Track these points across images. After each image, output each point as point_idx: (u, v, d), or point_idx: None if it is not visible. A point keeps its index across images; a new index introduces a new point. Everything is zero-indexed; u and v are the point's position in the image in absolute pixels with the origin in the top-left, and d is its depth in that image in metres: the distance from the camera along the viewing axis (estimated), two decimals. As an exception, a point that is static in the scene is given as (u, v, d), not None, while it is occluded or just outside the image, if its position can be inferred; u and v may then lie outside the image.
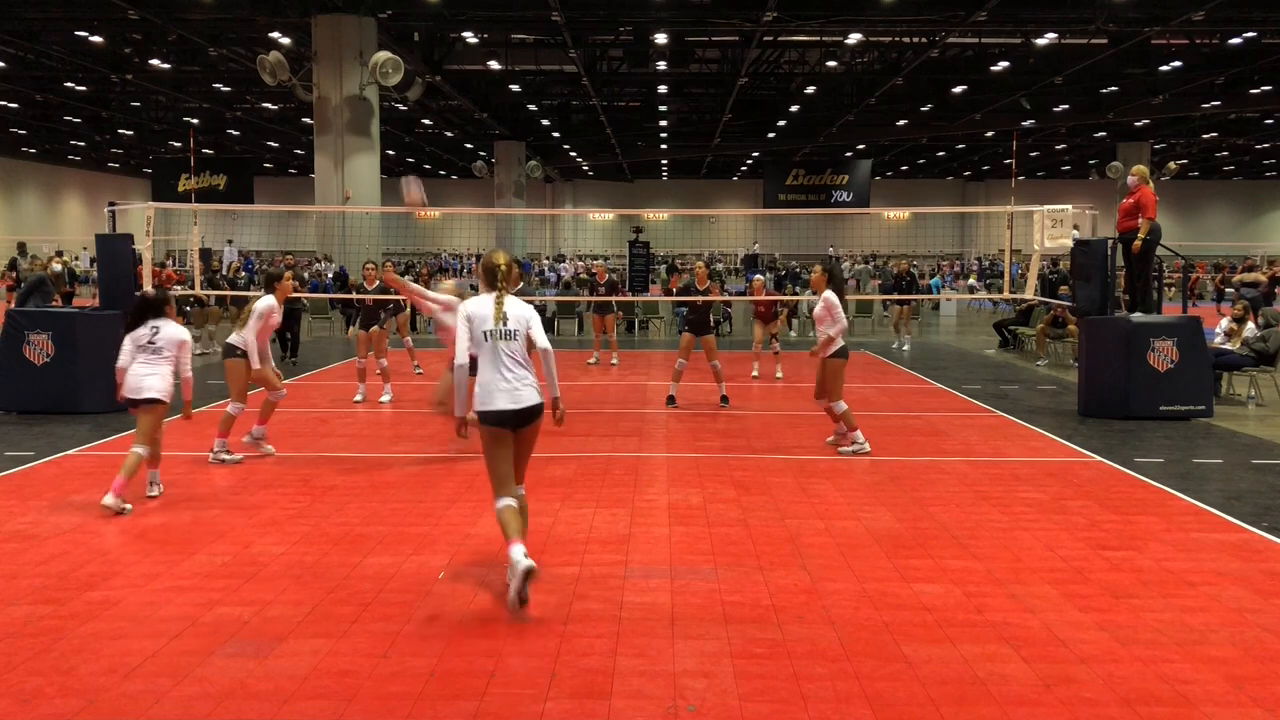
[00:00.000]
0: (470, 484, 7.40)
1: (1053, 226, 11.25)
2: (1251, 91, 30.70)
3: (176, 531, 6.20)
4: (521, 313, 5.16)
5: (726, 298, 19.98)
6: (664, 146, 47.18)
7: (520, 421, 5.06)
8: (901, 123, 38.47)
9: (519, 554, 4.81)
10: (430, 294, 8.93)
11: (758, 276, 16.39)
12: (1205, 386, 10.51)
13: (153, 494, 7.01)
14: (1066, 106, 34.48)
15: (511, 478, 5.11)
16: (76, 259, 39.16)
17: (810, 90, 32.88)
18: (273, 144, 47.46)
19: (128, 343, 6.93)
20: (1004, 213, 12.75)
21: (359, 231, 21.98)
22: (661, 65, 29.02)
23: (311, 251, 28.86)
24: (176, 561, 5.59)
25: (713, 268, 26.80)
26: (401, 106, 33.29)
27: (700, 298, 11.70)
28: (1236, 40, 25.82)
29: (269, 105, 36.22)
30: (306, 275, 26.13)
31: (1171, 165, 43.14)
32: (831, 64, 29.13)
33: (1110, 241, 11.05)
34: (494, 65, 29.39)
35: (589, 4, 22.91)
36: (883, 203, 52.25)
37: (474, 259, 41.21)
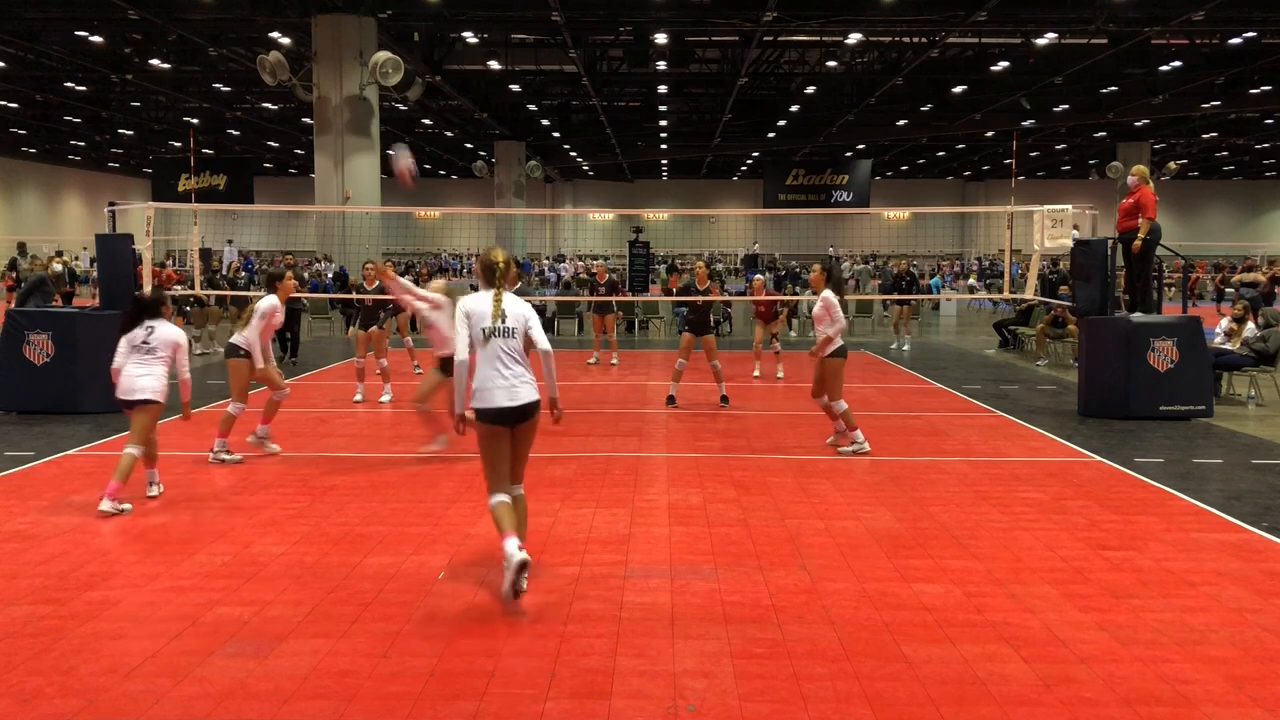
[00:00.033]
0: (470, 484, 7.40)
1: (1053, 226, 11.25)
2: (1251, 91, 30.70)
3: (176, 531, 6.20)
4: (520, 310, 5.18)
5: (726, 298, 19.98)
6: (664, 146, 47.18)
7: (517, 418, 5.08)
8: (901, 123, 38.47)
9: (513, 546, 4.86)
10: (418, 291, 8.85)
11: (758, 276, 16.39)
12: (1205, 386, 10.51)
13: (152, 494, 7.00)
14: (1066, 106, 34.48)
15: (506, 475, 5.13)
16: (76, 259, 39.17)
17: (810, 90, 32.88)
18: (273, 144, 47.45)
19: (123, 343, 6.92)
20: (1004, 213, 12.76)
21: (359, 231, 21.98)
22: (661, 65, 29.02)
23: (311, 251, 28.86)
24: (176, 561, 5.59)
25: (713, 268, 26.81)
26: (401, 106, 33.29)
27: (700, 298, 11.70)
28: (1236, 40, 25.81)
29: (269, 105, 36.22)
30: (306, 275, 26.13)
31: (1171, 165, 43.13)
32: (831, 64, 29.13)
33: (1110, 241, 11.05)
34: (494, 65, 29.38)
35: (589, 4, 22.90)
36: (883, 203, 52.26)
37: (474, 259, 41.17)
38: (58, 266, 26.10)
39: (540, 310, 20.39)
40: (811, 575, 5.41)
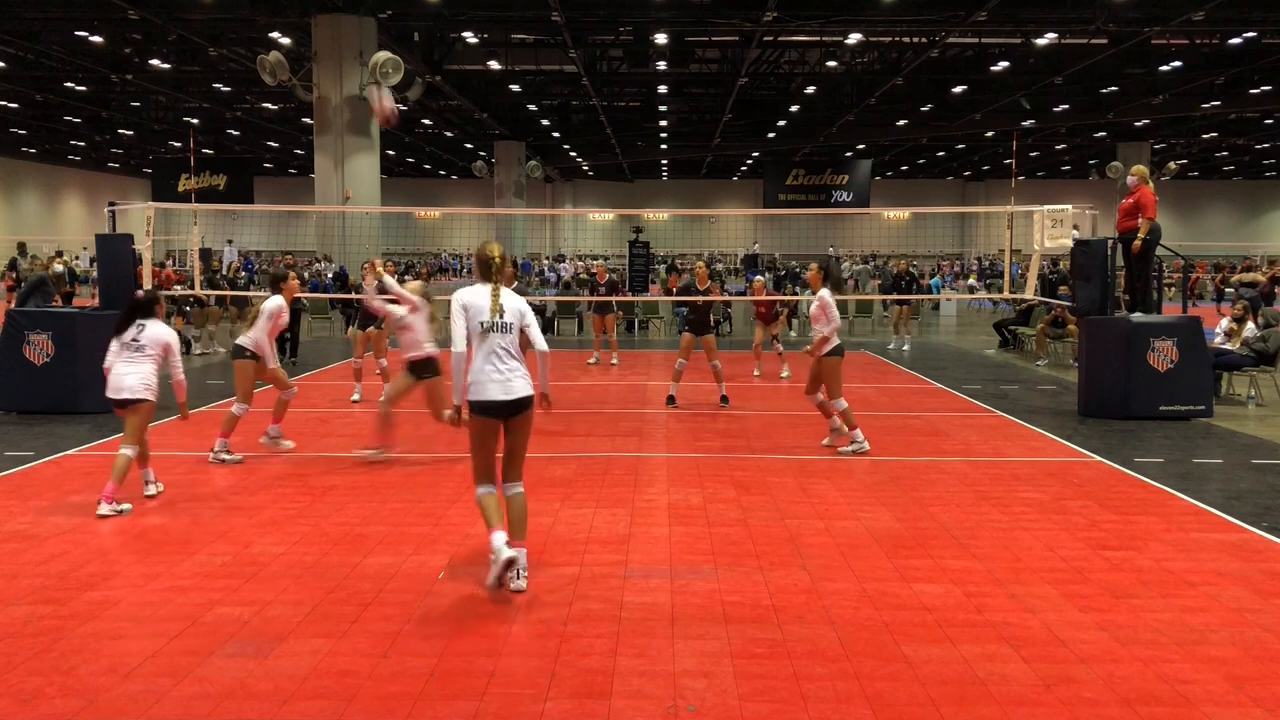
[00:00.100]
0: (470, 484, 7.37)
1: (1053, 226, 11.25)
2: (1251, 91, 30.71)
3: (176, 531, 6.20)
4: (516, 305, 5.25)
5: (727, 298, 19.98)
6: (664, 146, 47.19)
7: (511, 411, 5.13)
8: (901, 123, 38.48)
9: (499, 541, 5.00)
10: (398, 290, 8.61)
11: (758, 278, 16.39)
12: (1205, 386, 10.51)
13: (150, 493, 6.99)
14: (1066, 106, 34.49)
15: (494, 467, 5.21)
16: (76, 259, 39.16)
17: (810, 90, 32.89)
18: (273, 144, 47.47)
19: (114, 342, 6.92)
20: (1004, 213, 12.76)
21: (359, 231, 22.00)
22: (661, 65, 29.03)
23: (311, 251, 28.87)
24: (176, 561, 5.59)
25: (713, 268, 26.81)
26: (401, 106, 33.26)
27: (700, 298, 11.70)
28: (1236, 40, 25.82)
29: (269, 105, 36.23)
30: (306, 275, 26.13)
31: (1171, 165, 43.15)
32: (831, 64, 29.14)
33: (1110, 241, 11.05)
34: (494, 65, 29.39)
35: (589, 4, 22.91)
36: (883, 203, 52.26)
37: (473, 259, 41.12)
38: (58, 267, 26.09)
39: (540, 310, 20.51)
40: (811, 575, 5.41)
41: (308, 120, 31.76)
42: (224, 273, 22.03)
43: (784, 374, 13.80)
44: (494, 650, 4.39)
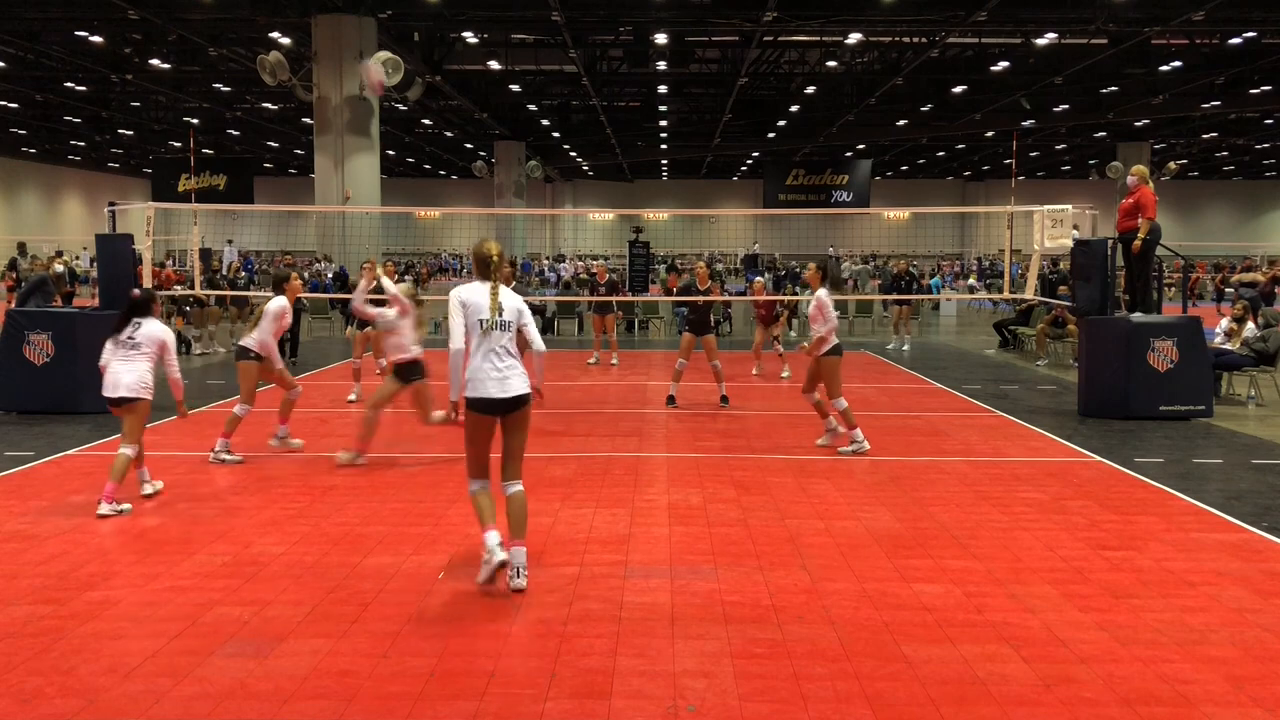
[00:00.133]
0: (470, 484, 7.39)
1: (1053, 226, 11.26)
2: (1251, 91, 30.70)
3: (176, 531, 6.20)
4: (515, 304, 5.29)
5: (727, 298, 19.98)
6: (664, 146, 47.17)
7: (508, 409, 5.17)
8: (901, 123, 38.47)
9: (493, 541, 5.08)
10: (389, 290, 8.60)
11: (758, 279, 16.39)
12: (1205, 386, 10.51)
13: (147, 492, 6.98)
14: (1066, 106, 34.48)
15: (488, 464, 5.24)
16: (76, 259, 39.14)
17: (810, 90, 32.87)
18: (273, 144, 47.46)
19: (109, 342, 6.91)
20: (1004, 213, 12.76)
21: (359, 231, 21.98)
22: (661, 65, 29.01)
23: (311, 251, 28.86)
24: (176, 561, 5.59)
25: (713, 268, 26.80)
26: (401, 106, 33.29)
27: (700, 298, 11.71)
28: (1236, 40, 25.81)
29: (269, 105, 36.22)
30: (306, 275, 26.11)
31: (1171, 165, 43.13)
32: (831, 64, 29.12)
33: (1110, 241, 11.05)
34: (494, 65, 29.38)
35: (589, 4, 22.90)
36: (883, 203, 52.25)
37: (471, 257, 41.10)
38: (58, 267, 26.08)
39: (540, 310, 20.51)
40: (811, 575, 5.41)
41: (308, 120, 31.76)
42: (224, 273, 22.02)
43: (784, 374, 13.82)
44: (494, 650, 4.39)
